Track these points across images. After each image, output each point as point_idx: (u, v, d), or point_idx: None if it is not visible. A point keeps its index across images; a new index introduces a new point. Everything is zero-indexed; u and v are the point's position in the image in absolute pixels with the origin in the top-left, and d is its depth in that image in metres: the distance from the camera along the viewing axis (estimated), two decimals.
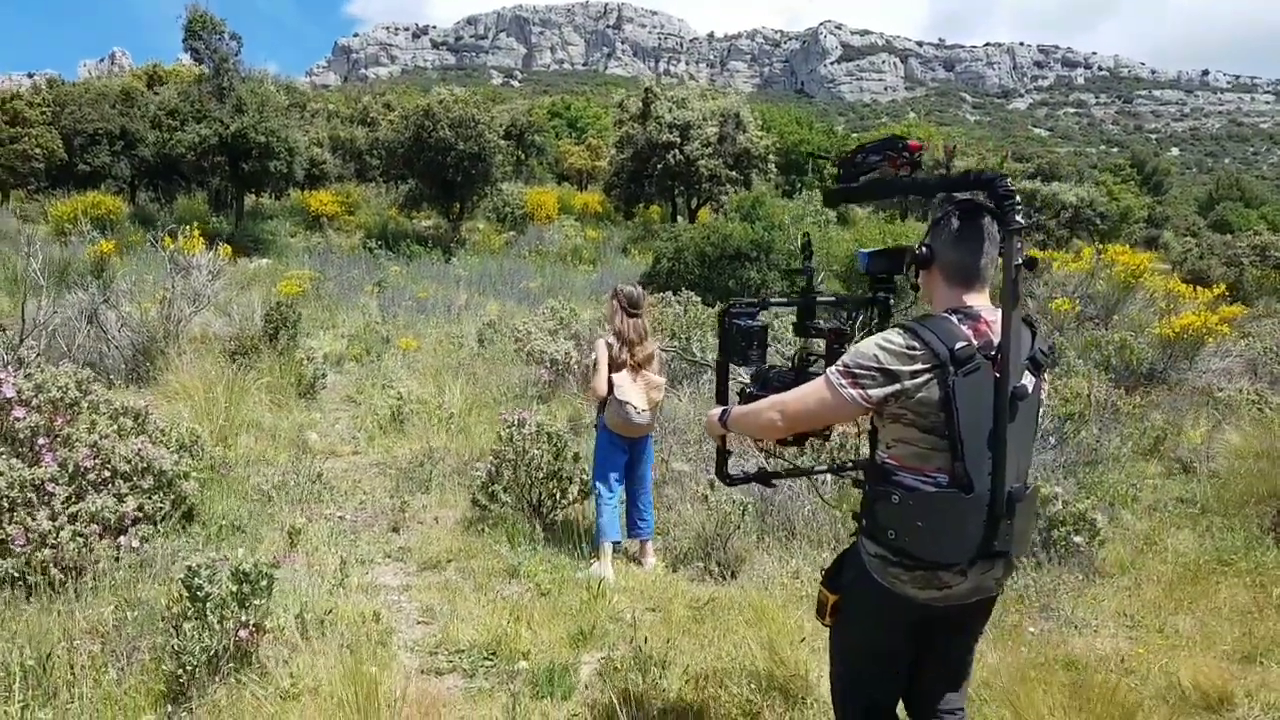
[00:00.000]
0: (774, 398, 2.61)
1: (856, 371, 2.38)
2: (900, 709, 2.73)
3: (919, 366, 2.32)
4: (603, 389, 5.37)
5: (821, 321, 2.90)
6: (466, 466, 6.97)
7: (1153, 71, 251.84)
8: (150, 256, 15.25)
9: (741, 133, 31.18)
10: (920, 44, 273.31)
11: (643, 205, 34.46)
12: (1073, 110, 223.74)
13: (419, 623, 4.65)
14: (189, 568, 3.65)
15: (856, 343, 2.49)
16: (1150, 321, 12.27)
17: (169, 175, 28.81)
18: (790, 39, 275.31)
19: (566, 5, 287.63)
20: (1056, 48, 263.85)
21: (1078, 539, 5.49)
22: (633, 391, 5.34)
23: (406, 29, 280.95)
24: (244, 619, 3.71)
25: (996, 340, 2.35)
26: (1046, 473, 6.72)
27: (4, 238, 18.93)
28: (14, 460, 4.62)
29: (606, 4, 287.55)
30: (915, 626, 2.54)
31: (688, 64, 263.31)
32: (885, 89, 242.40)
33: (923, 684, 2.68)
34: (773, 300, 3.29)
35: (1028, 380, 2.43)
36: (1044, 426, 7.39)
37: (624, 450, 5.49)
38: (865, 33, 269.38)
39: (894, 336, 2.38)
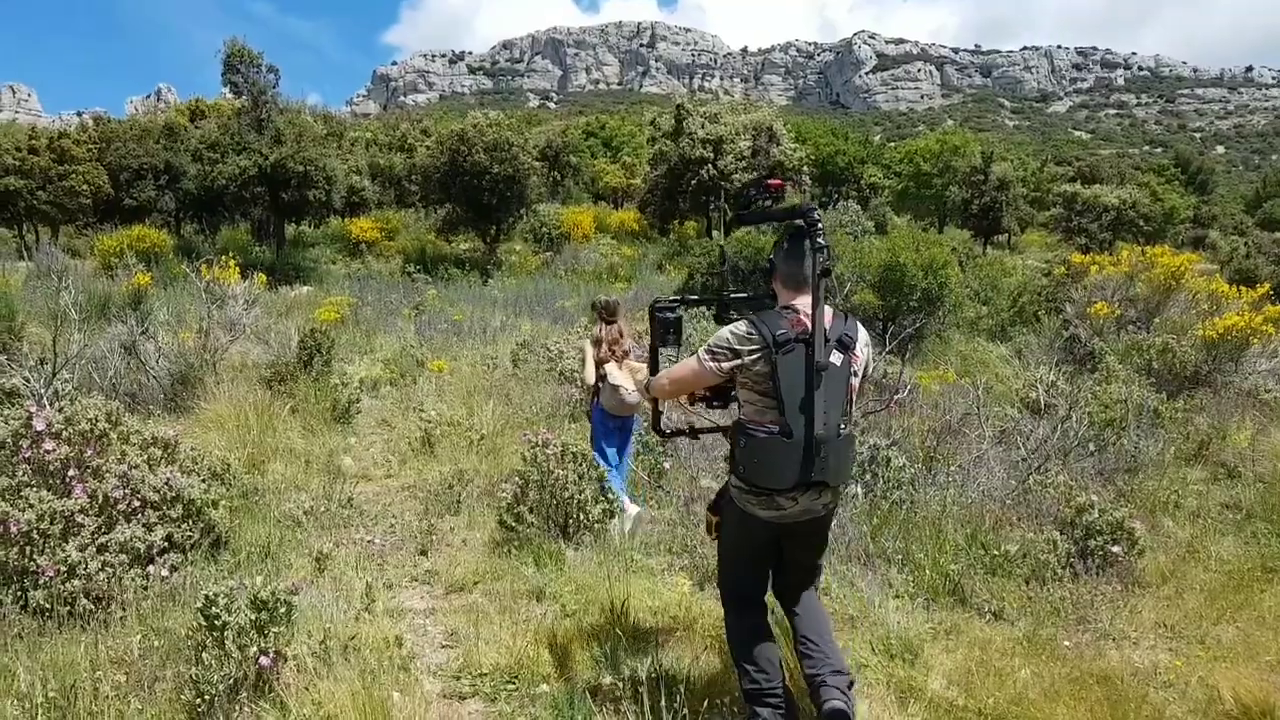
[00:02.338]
0: (667, 370, 3.68)
1: (715, 350, 3.37)
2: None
3: (753, 347, 3.28)
4: (591, 379, 6.72)
5: (734, 315, 3.68)
6: (495, 488, 6.97)
7: (1195, 70, 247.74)
8: (190, 287, 15.53)
9: (775, 146, 31.12)
10: (956, 51, 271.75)
11: (678, 221, 34.47)
12: (1114, 112, 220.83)
13: (443, 646, 4.64)
14: (206, 596, 3.67)
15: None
16: (1193, 324, 11.99)
17: (212, 207, 29.33)
18: (824, 51, 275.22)
19: (600, 26, 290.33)
20: (1095, 49, 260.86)
21: (1115, 548, 5.35)
22: (621, 377, 6.57)
23: (443, 55, 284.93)
24: (264, 646, 3.72)
25: (808, 328, 3.23)
26: (1084, 480, 6.57)
27: (51, 273, 19.35)
28: (44, 492, 4.70)
29: (640, 23, 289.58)
30: (769, 539, 3.51)
31: (721, 79, 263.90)
32: (921, 97, 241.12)
33: (785, 583, 3.71)
34: (689, 298, 4.25)
35: (835, 357, 3.32)
36: (1079, 433, 7.24)
37: (615, 429, 6.77)
38: (900, 41, 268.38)
39: (739, 326, 3.35)
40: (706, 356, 3.38)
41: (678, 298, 3.98)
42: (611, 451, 6.75)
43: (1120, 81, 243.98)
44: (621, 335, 6.78)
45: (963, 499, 6.31)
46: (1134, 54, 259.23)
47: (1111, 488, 6.87)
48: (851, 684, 3.46)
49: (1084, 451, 7.48)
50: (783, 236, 3.50)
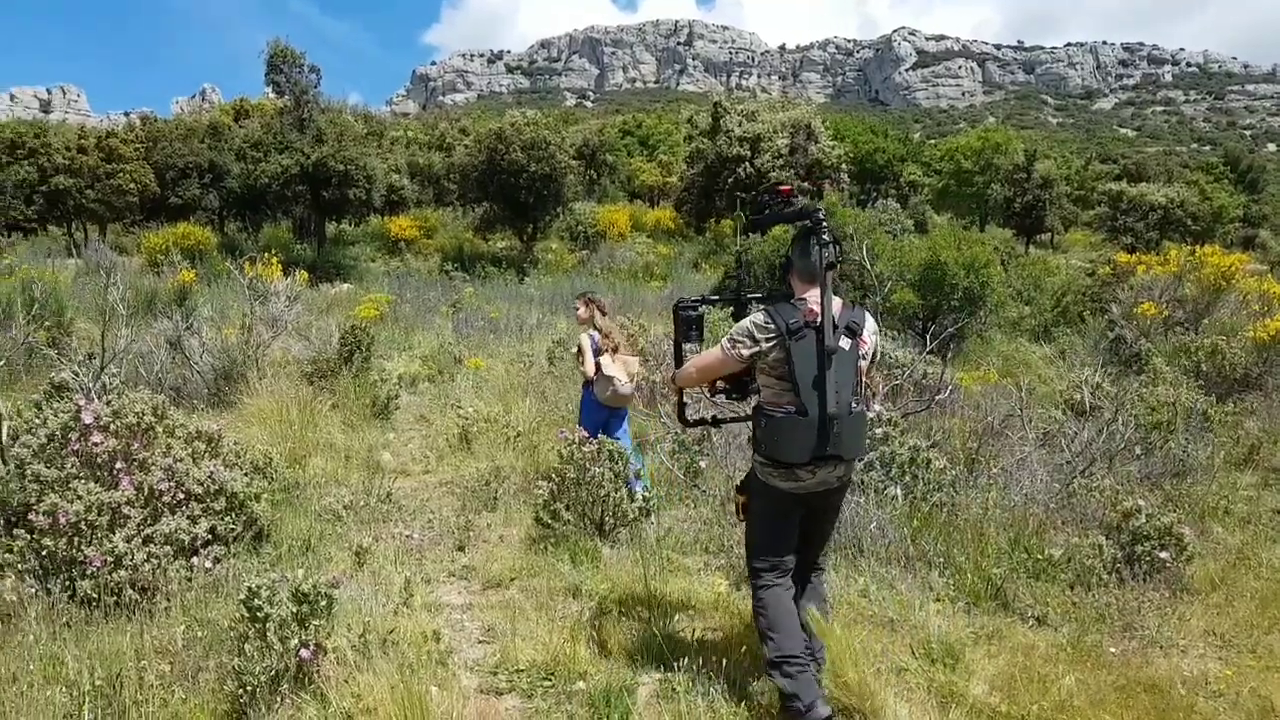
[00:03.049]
0: (693, 359, 4.04)
1: (736, 339, 3.73)
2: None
3: (770, 335, 3.64)
4: (591, 371, 6.80)
5: (750, 312, 3.98)
6: (532, 485, 6.98)
7: (1245, 66, 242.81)
8: (234, 284, 15.73)
9: (813, 143, 30.93)
10: (998, 47, 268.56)
11: (714, 220, 34.39)
12: (1160, 109, 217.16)
13: (480, 642, 4.65)
14: (249, 588, 3.71)
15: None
16: (1243, 325, 11.74)
17: (255, 205, 29.74)
18: (863, 48, 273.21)
19: (638, 25, 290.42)
20: (1141, 45, 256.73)
21: (1163, 554, 5.25)
22: (615, 369, 6.74)
23: (481, 55, 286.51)
24: (304, 639, 3.75)
25: (818, 317, 3.59)
26: (1130, 484, 6.45)
27: (99, 270, 19.70)
28: (92, 484, 4.78)
29: (677, 22, 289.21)
30: (792, 509, 3.82)
31: (759, 77, 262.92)
32: (963, 94, 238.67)
33: (804, 549, 3.96)
34: (710, 298, 4.58)
35: (844, 342, 3.65)
36: (1125, 436, 7.13)
37: (604, 417, 6.82)
38: (940, 38, 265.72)
39: (758, 317, 3.72)
40: (729, 345, 3.75)
41: (699, 298, 4.38)
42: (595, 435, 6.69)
43: (1168, 78, 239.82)
44: (614, 329, 7.01)
45: (1005, 502, 6.22)
46: (1182, 50, 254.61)
47: (1159, 492, 6.74)
48: (820, 667, 3.88)
49: (1130, 455, 7.34)
50: (796, 237, 3.83)
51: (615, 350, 6.86)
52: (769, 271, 17.41)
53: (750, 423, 3.90)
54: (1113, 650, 4.52)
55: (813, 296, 3.66)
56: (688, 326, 4.19)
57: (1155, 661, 4.41)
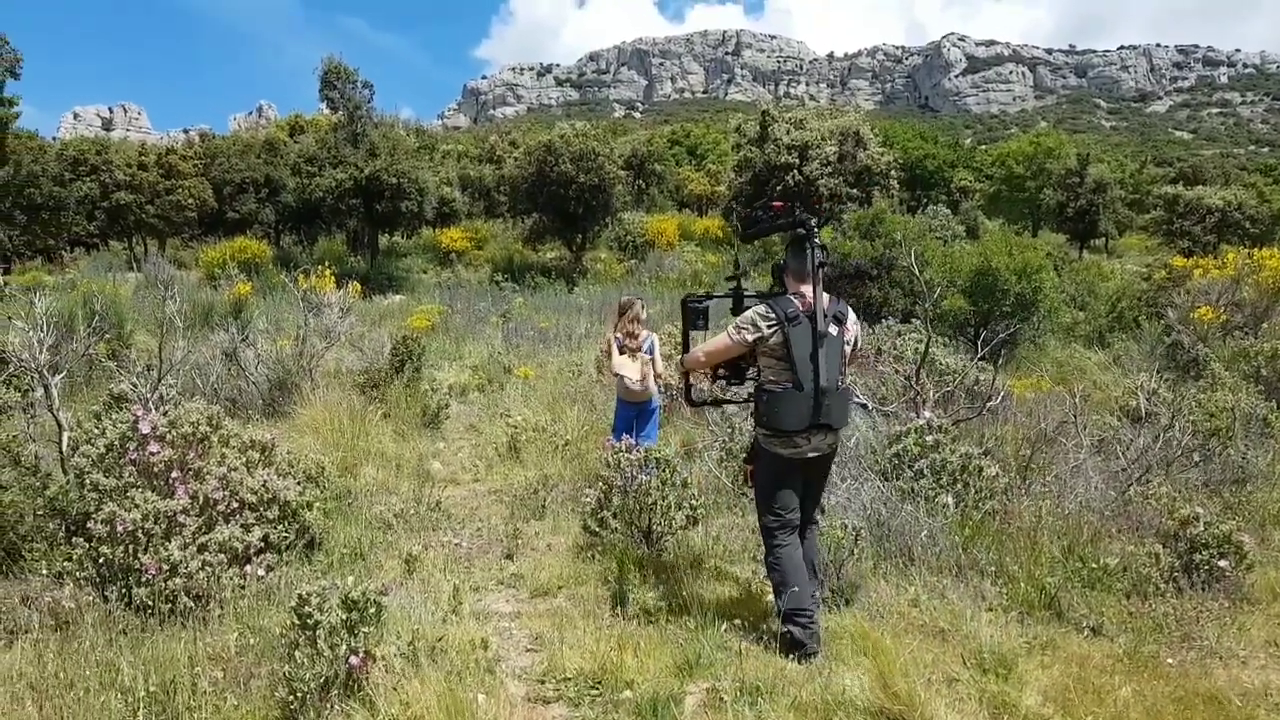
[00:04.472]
0: (702, 345, 4.73)
1: (741, 326, 4.40)
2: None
3: (771, 323, 4.31)
4: (617, 369, 7.39)
5: (747, 307, 4.56)
6: (579, 493, 7.00)
7: None
8: (288, 296, 16.01)
9: (862, 150, 30.67)
10: (1049, 51, 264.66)
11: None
12: (1217, 111, 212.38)
13: (528, 650, 4.67)
14: (300, 596, 3.76)
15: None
16: None
17: (310, 219, 30.30)
18: (912, 54, 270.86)
19: (685, 36, 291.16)
20: (1196, 47, 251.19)
21: (1223, 563, 5.11)
22: (628, 367, 7.35)
23: (531, 69, 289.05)
24: (354, 646, 3.79)
25: (811, 307, 4.29)
26: (1188, 491, 6.29)
27: (158, 283, 20.19)
28: (149, 493, 4.88)
29: (725, 32, 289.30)
30: (793, 472, 4.48)
31: (807, 85, 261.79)
32: (1014, 99, 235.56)
33: (801, 508, 4.59)
34: (714, 294, 5.06)
35: (832, 329, 4.37)
36: (1183, 443, 6.96)
37: (631, 414, 7.47)
38: (990, 43, 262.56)
39: (760, 308, 4.39)
40: (734, 331, 4.42)
41: (705, 294, 5.02)
42: (625, 433, 7.21)
43: (1224, 79, 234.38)
44: (637, 331, 7.48)
45: (1059, 510, 6.10)
46: (1238, 51, 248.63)
47: (1218, 500, 6.57)
48: (817, 605, 4.53)
49: (1188, 462, 7.16)
50: (791, 241, 4.48)
51: (635, 351, 7.43)
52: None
53: (752, 403, 4.56)
54: (1170, 661, 4.41)
55: (806, 291, 4.36)
56: (695, 316, 4.85)
57: (1214, 673, 4.29)
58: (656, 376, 7.60)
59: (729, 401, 5.11)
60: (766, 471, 4.55)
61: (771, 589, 4.60)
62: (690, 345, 4.96)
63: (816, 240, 4.34)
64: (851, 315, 4.62)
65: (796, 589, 4.36)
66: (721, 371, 4.62)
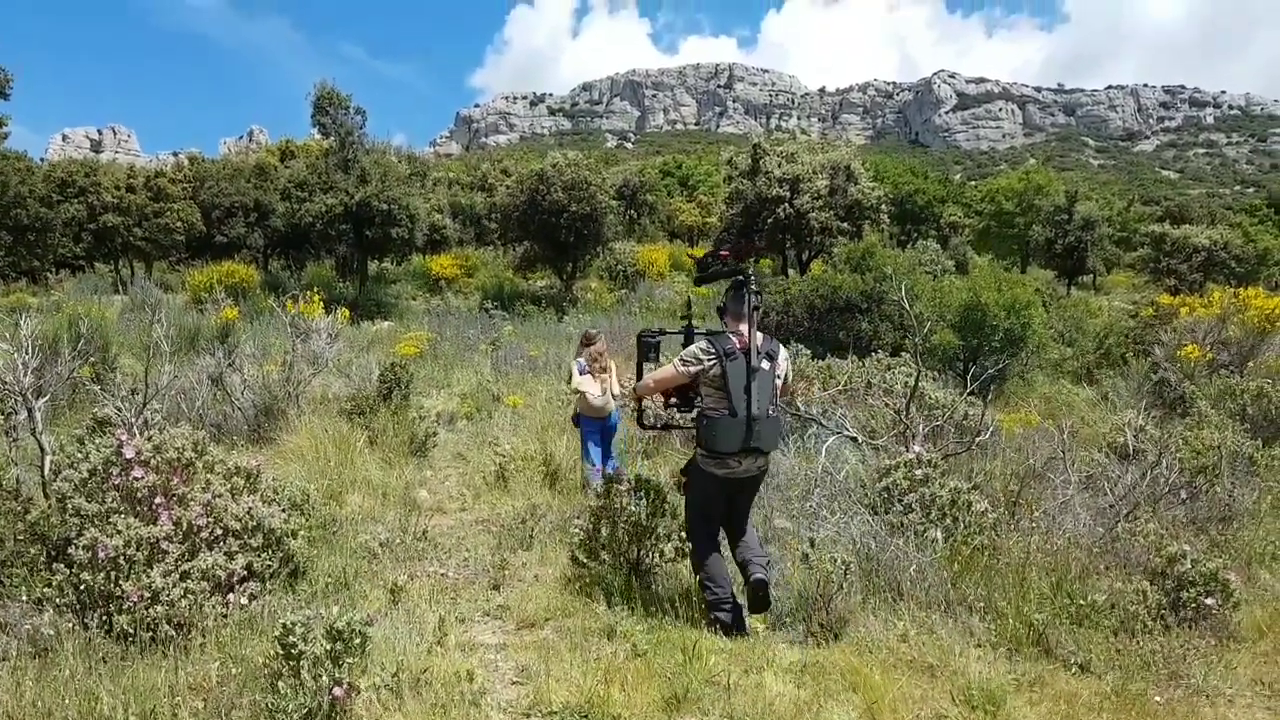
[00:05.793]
0: (651, 374, 5.31)
1: (686, 359, 5.04)
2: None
3: (711, 356, 4.95)
4: (579, 386, 8.39)
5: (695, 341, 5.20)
6: (568, 523, 6.95)
7: None
8: (276, 322, 15.96)
9: (853, 184, 30.84)
10: (1039, 89, 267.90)
11: (753, 260, 34.32)
12: (1203, 151, 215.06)
13: (514, 682, 4.61)
14: (284, 625, 3.71)
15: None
16: None
17: (299, 244, 30.25)
18: (903, 90, 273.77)
19: (678, 68, 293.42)
20: (1183, 88, 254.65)
21: (1209, 601, 5.11)
22: (590, 385, 8.39)
23: (524, 97, 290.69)
24: (338, 677, 3.74)
25: (746, 345, 4.91)
26: (1175, 529, 6.29)
27: (144, 306, 20.11)
28: (132, 519, 4.83)
29: (718, 64, 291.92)
30: (723, 492, 5.15)
31: (799, 119, 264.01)
32: (1003, 136, 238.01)
33: (732, 527, 5.30)
34: (667, 330, 5.81)
35: (765, 364, 5.00)
36: (1170, 480, 6.97)
37: (597, 430, 8.52)
38: (980, 80, 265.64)
39: (702, 344, 5.04)
40: (680, 363, 5.07)
41: (658, 329, 5.76)
42: (597, 452, 8.43)
43: (1209, 120, 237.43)
44: (602, 354, 8.62)
45: (1047, 546, 6.09)
46: (1223, 92, 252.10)
47: (1204, 537, 6.58)
48: (769, 562, 5.36)
49: (1175, 499, 7.18)
50: (729, 287, 5.16)
51: (602, 371, 8.53)
52: (809, 312, 17.43)
53: (695, 427, 5.15)
54: (1158, 699, 4.39)
55: (742, 330, 5.00)
56: (648, 349, 5.56)
57: (1201, 710, 4.28)
58: (615, 396, 8.60)
59: (678, 426, 5.84)
60: (700, 488, 5.22)
61: (698, 583, 5.29)
62: (643, 374, 5.56)
63: (753, 286, 4.99)
64: (783, 353, 5.30)
65: (717, 585, 5.13)
66: (673, 400, 5.26)
